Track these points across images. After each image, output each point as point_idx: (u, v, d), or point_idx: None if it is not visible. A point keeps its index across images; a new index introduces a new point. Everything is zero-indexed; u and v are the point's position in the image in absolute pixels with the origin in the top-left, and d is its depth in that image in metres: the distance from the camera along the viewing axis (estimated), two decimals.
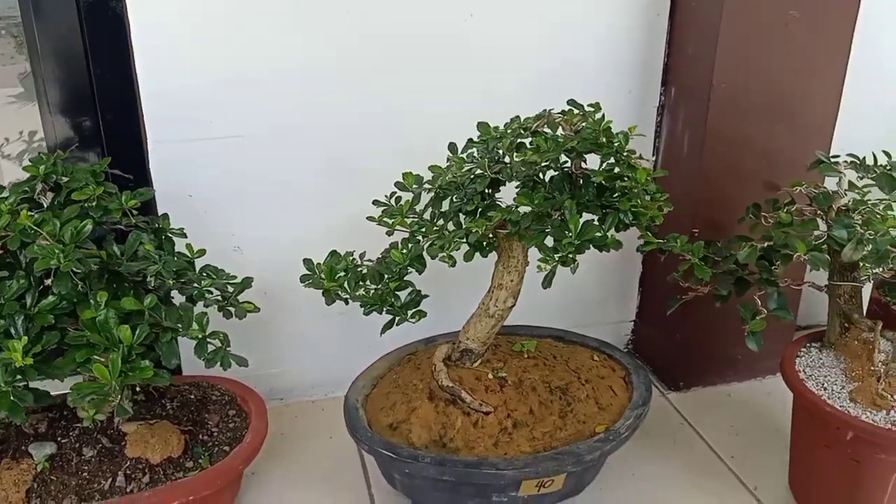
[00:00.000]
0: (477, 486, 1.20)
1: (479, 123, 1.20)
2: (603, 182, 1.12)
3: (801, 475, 1.33)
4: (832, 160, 1.32)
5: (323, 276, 1.25)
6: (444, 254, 1.18)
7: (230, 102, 1.41)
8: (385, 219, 1.28)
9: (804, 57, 1.48)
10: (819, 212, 1.32)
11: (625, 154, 1.13)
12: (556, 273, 1.11)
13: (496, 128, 1.20)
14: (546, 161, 1.12)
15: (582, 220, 1.12)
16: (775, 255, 1.24)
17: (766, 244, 1.25)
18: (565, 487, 1.26)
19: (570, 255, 1.08)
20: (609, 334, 1.84)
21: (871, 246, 1.20)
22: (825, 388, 1.23)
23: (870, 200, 1.39)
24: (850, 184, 1.31)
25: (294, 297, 1.48)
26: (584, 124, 1.13)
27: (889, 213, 1.27)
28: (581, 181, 1.17)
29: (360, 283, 1.26)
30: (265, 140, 1.45)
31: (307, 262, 1.29)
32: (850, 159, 1.34)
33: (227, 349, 1.14)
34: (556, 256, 1.09)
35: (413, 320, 1.21)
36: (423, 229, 1.26)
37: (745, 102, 1.47)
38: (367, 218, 1.29)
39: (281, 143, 1.46)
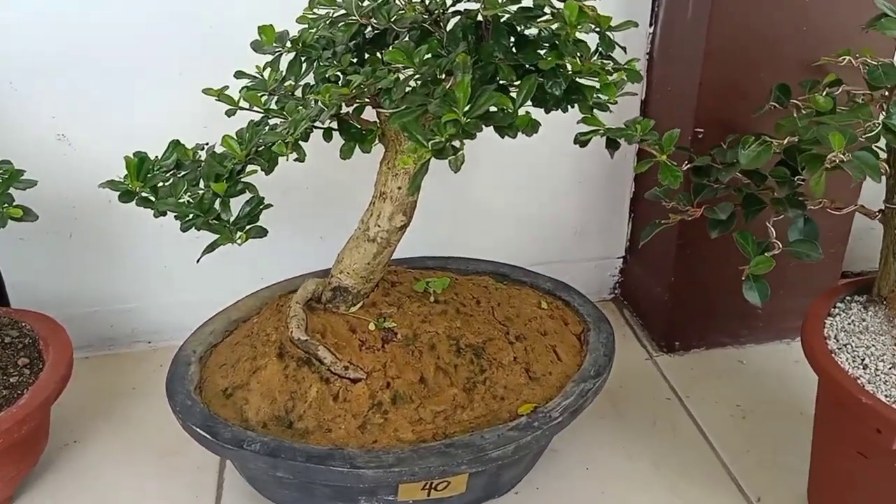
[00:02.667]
0: (333, 487, 0.86)
1: None
2: (514, 28, 0.73)
3: (824, 489, 0.95)
4: None
5: (127, 174, 0.90)
6: (283, 143, 0.80)
7: None
8: (226, 94, 0.92)
9: None
10: (879, 96, 0.91)
11: None
12: (426, 171, 0.73)
13: None
14: None
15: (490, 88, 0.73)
16: (802, 159, 0.83)
17: (786, 141, 0.84)
18: (471, 490, 0.91)
19: (448, 142, 0.69)
20: (591, 274, 1.47)
21: None
22: (865, 367, 0.84)
23: None
24: None
25: None
26: None
27: None
28: (491, 30, 0.77)
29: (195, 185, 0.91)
30: None
31: (137, 156, 0.94)
32: None
33: None
34: (429, 144, 0.70)
35: (239, 242, 0.85)
36: (284, 108, 0.89)
37: None
38: (202, 91, 0.93)
39: None
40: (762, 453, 1.09)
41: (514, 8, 0.74)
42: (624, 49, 0.85)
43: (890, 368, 0.83)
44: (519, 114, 0.73)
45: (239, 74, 0.95)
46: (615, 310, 1.46)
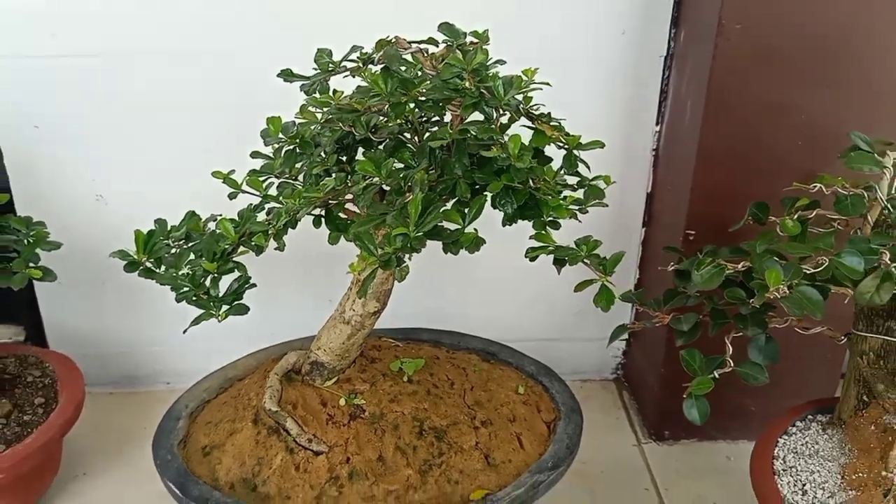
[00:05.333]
0: None
1: (318, 51, 0.88)
2: (468, 149, 0.79)
3: None
4: (878, 147, 0.91)
5: (135, 245, 1.00)
6: (262, 234, 0.89)
7: (81, 12, 1.16)
8: (231, 178, 1.02)
9: None
10: (852, 224, 0.93)
11: (505, 106, 0.78)
12: (374, 278, 0.80)
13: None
14: (381, 106, 0.80)
15: (441, 205, 0.80)
16: (753, 285, 0.86)
17: (741, 266, 0.87)
18: None
19: (394, 255, 0.76)
20: (593, 354, 1.50)
21: None
22: (804, 493, 0.85)
23: None
24: None
25: None
26: (446, 61, 0.79)
27: None
28: (454, 147, 0.84)
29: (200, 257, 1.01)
30: (136, 62, 1.20)
31: (159, 223, 1.04)
32: None
33: None
34: (378, 253, 0.77)
35: (220, 318, 0.93)
36: (281, 195, 0.98)
37: (770, 52, 1.06)
38: (212, 174, 1.02)
39: (157, 68, 1.21)
40: None
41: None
42: (588, 167, 0.90)
43: (828, 498, 0.84)
44: (466, 231, 0.79)
45: (255, 155, 1.04)
46: (615, 391, 1.48)
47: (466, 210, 0.80)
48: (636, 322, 1.01)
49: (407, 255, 0.78)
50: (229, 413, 1.04)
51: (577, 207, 0.89)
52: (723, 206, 1.16)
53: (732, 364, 0.89)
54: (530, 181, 0.81)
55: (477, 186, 0.84)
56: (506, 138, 0.78)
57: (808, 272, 0.81)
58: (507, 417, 1.06)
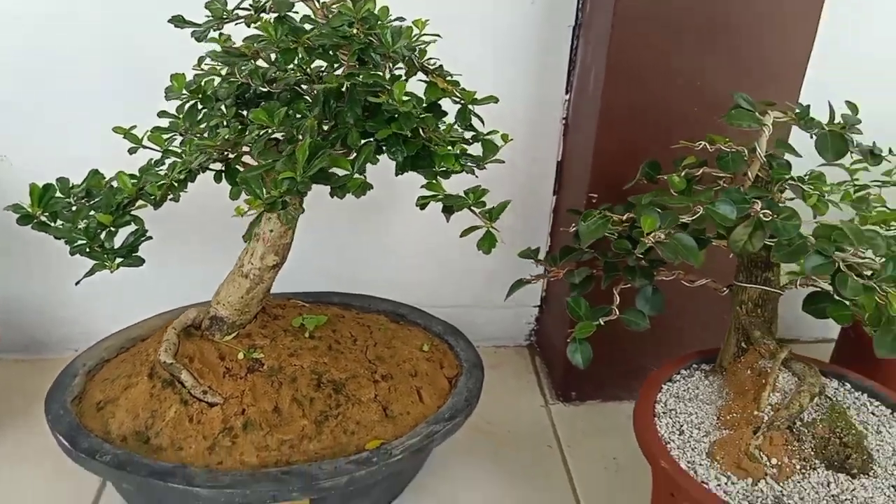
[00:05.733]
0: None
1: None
2: (358, 97, 0.80)
3: None
4: (760, 107, 0.95)
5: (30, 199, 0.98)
6: (155, 185, 0.88)
7: None
8: (133, 133, 1.01)
9: None
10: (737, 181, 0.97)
11: (393, 54, 0.80)
12: (261, 222, 0.81)
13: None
14: (271, 52, 0.81)
15: (329, 151, 0.81)
16: (634, 234, 0.89)
17: (626, 217, 0.90)
18: None
19: (279, 199, 0.76)
20: (508, 320, 1.53)
21: (783, 235, 0.84)
22: (681, 433, 0.88)
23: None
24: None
25: None
26: (337, 8, 0.80)
27: (818, 187, 0.90)
28: (347, 97, 0.85)
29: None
30: (38, 21, 1.18)
31: (60, 181, 1.02)
32: (794, 108, 0.96)
33: None
34: (264, 195, 0.78)
35: (112, 269, 0.92)
36: (184, 149, 0.97)
37: (668, 20, 1.10)
38: (113, 129, 1.01)
39: (63, 24, 1.18)
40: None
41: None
42: (482, 121, 0.92)
43: (703, 436, 0.87)
44: (354, 177, 0.80)
45: (162, 114, 1.03)
46: (527, 356, 1.51)
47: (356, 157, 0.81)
48: (533, 276, 1.03)
49: (291, 199, 0.79)
50: (127, 369, 1.04)
51: (474, 164, 0.91)
52: (623, 168, 1.19)
53: (618, 313, 0.91)
54: (421, 131, 0.82)
55: (369, 137, 0.85)
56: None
57: (685, 221, 0.84)
58: (408, 372, 1.08)
